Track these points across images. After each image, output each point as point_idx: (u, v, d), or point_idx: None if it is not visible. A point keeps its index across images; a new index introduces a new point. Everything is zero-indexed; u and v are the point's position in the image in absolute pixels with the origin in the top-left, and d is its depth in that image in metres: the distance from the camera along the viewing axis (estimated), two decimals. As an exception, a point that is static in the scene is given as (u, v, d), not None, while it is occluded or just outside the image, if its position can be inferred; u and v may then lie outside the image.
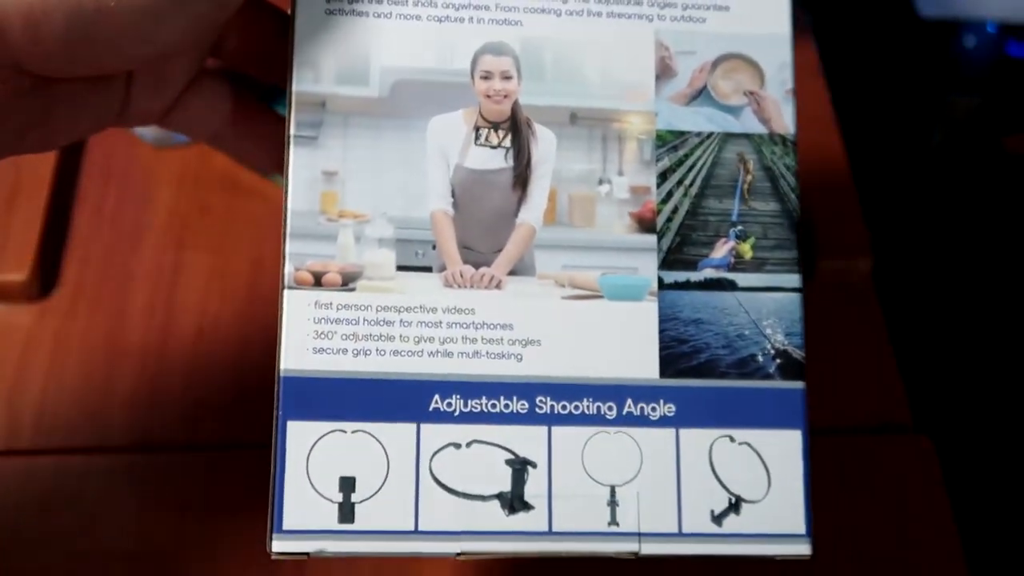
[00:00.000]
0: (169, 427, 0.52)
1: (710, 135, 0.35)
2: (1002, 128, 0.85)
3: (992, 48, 0.84)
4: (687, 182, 0.35)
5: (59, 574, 0.47)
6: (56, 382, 0.53)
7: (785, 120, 0.35)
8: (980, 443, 0.78)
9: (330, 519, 0.32)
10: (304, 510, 0.31)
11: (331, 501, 0.32)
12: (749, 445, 0.33)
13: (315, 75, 0.34)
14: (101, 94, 0.35)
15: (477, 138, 0.34)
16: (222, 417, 0.52)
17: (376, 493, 0.32)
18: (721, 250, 0.34)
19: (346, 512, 0.32)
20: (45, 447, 0.51)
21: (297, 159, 0.33)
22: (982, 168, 0.86)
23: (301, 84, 0.34)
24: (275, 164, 0.36)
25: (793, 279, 0.34)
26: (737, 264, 0.34)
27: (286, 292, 0.33)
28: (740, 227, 0.35)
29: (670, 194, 0.34)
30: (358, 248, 0.33)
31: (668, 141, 0.35)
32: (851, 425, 0.55)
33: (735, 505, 0.33)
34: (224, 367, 0.54)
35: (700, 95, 0.35)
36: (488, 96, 0.34)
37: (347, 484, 0.32)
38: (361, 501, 0.32)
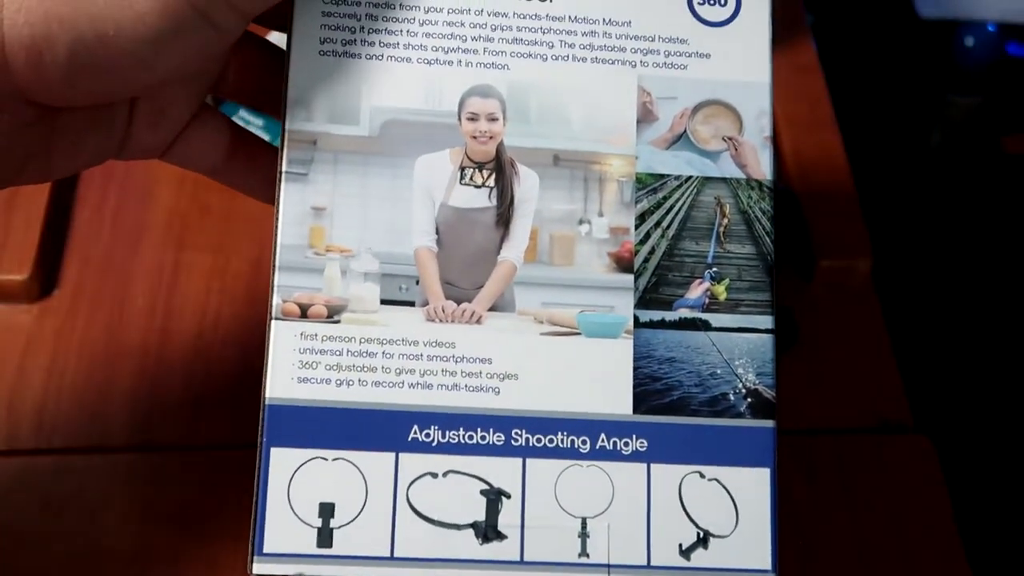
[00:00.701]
0: (169, 427, 0.53)
1: (688, 179, 0.36)
2: (1002, 128, 0.85)
3: (992, 48, 0.84)
4: (665, 224, 0.36)
5: (59, 574, 0.48)
6: (56, 382, 0.53)
7: (762, 166, 0.36)
8: (980, 443, 0.79)
9: (309, 543, 0.33)
10: (284, 534, 0.33)
11: (311, 526, 0.33)
12: (718, 481, 0.35)
13: (307, 114, 0.35)
14: (103, 128, 0.36)
15: (462, 177, 0.35)
16: (222, 417, 0.53)
17: (354, 519, 0.33)
18: (696, 291, 0.35)
19: (324, 537, 0.33)
20: (45, 447, 0.52)
21: (287, 195, 0.35)
22: (981, 168, 0.86)
23: (294, 123, 0.35)
24: (272, 196, 0.37)
25: (766, 320, 0.36)
26: (711, 305, 0.36)
27: (273, 323, 0.34)
28: (715, 269, 0.36)
29: (648, 235, 0.36)
30: (344, 282, 0.34)
31: (647, 184, 0.36)
32: (851, 425, 0.56)
33: (703, 540, 0.34)
34: (224, 367, 0.55)
35: (680, 140, 0.36)
36: (474, 137, 0.35)
37: (326, 510, 0.33)
38: (340, 527, 0.33)
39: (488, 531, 0.34)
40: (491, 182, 0.35)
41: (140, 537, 0.49)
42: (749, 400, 0.35)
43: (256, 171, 0.40)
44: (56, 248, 0.58)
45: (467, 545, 0.33)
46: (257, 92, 0.39)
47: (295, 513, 0.33)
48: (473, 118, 0.35)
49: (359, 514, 0.33)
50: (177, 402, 0.54)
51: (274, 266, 0.34)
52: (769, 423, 0.35)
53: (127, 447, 0.52)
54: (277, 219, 0.35)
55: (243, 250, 0.59)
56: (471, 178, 0.35)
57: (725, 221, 0.36)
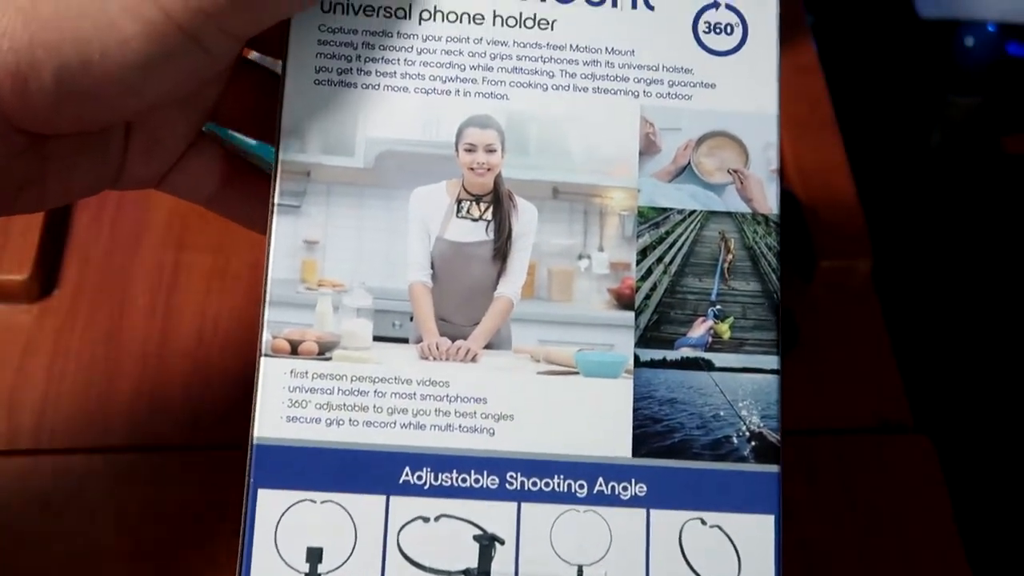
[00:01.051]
0: (169, 427, 0.51)
1: (692, 213, 0.34)
2: (1002, 128, 0.84)
3: (992, 48, 0.83)
4: (667, 259, 0.33)
5: (59, 574, 0.47)
6: (56, 382, 0.52)
7: (768, 200, 0.34)
8: (980, 443, 0.78)
9: None
10: None
11: (297, 571, 0.31)
12: (720, 528, 0.32)
13: (301, 144, 0.33)
14: (97, 156, 0.34)
15: (459, 210, 0.33)
16: (222, 417, 0.51)
17: (342, 565, 0.31)
18: (699, 329, 0.33)
19: None
20: (45, 447, 0.50)
21: (279, 227, 0.32)
22: (981, 168, 0.85)
23: (287, 153, 0.32)
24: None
25: (771, 360, 0.33)
26: (715, 344, 0.33)
27: (263, 360, 0.32)
28: (719, 306, 0.33)
29: (650, 271, 0.33)
30: (336, 317, 0.32)
31: (650, 218, 0.33)
32: (851, 425, 0.55)
33: (703, 588, 0.32)
34: (224, 367, 0.53)
35: (684, 172, 0.34)
36: (472, 169, 0.33)
37: (314, 555, 0.31)
38: (327, 572, 0.31)
39: (481, 578, 0.31)
40: (488, 215, 0.33)
41: (140, 537, 0.48)
42: (753, 444, 0.33)
43: (250, 200, 0.38)
44: (56, 248, 0.56)
45: None
46: (252, 120, 0.37)
47: (282, 557, 0.31)
48: (471, 149, 0.33)
49: (348, 559, 0.31)
50: (177, 402, 0.52)
51: (264, 301, 0.32)
52: (774, 468, 0.33)
53: (127, 447, 0.50)
54: (268, 252, 0.32)
55: (243, 251, 0.57)
56: (468, 211, 0.33)
57: (730, 257, 0.33)
